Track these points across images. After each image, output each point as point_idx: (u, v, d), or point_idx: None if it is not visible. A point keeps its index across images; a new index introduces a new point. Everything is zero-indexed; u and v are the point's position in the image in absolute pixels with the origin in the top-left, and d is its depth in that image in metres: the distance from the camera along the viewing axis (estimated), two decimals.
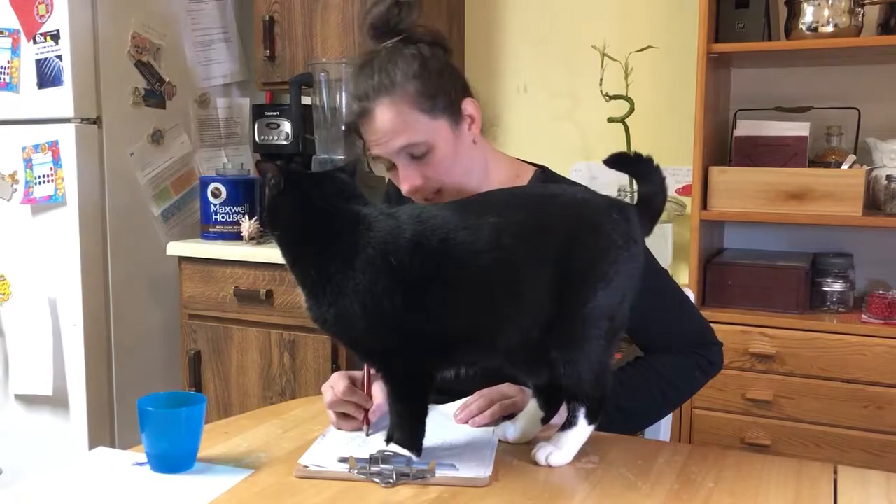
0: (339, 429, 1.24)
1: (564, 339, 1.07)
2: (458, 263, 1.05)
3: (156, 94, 2.67)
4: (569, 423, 1.10)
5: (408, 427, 1.10)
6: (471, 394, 1.28)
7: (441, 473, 1.05)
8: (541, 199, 1.13)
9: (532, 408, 1.18)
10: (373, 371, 1.24)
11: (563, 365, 1.07)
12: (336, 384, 1.25)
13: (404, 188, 1.30)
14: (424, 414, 1.11)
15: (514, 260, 1.05)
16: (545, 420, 1.18)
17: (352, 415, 1.24)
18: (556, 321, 1.06)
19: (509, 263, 1.05)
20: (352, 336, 1.10)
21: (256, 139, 2.67)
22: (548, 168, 1.44)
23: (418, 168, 1.28)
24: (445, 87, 1.29)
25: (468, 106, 1.32)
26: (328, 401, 1.25)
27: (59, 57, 2.42)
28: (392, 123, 1.26)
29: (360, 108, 1.28)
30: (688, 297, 1.42)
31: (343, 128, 1.36)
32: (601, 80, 2.42)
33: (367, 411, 1.24)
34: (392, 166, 1.32)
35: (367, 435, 1.22)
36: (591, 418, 1.09)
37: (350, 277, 1.04)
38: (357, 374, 1.29)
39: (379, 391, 1.26)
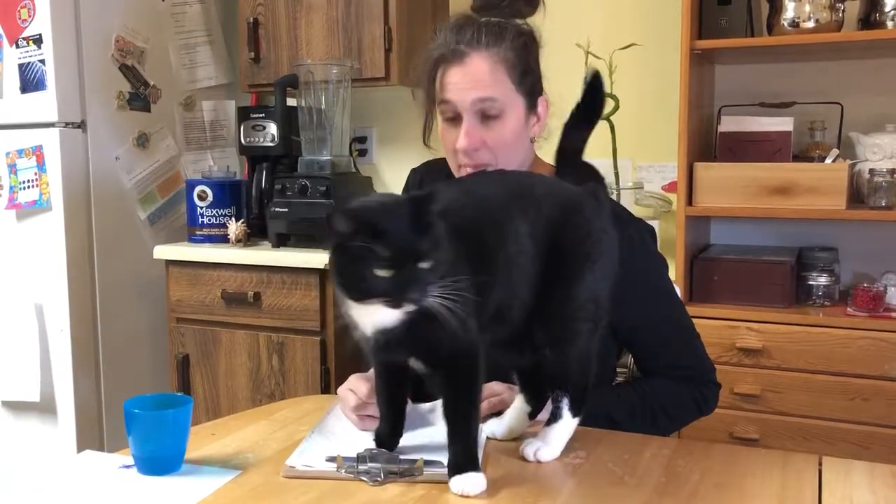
0: (364, 430, 1.20)
1: (552, 321, 1.07)
2: (474, 235, 1.01)
3: (140, 97, 2.66)
4: (554, 417, 1.10)
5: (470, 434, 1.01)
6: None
7: (429, 471, 1.05)
8: (522, 182, 1.14)
9: (519, 404, 1.18)
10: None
11: (549, 348, 1.07)
12: (357, 388, 1.24)
13: (462, 143, 1.31)
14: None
15: (504, 233, 1.04)
16: (532, 415, 1.18)
17: (376, 416, 1.18)
18: (543, 302, 1.06)
19: (501, 237, 1.04)
20: (442, 337, 0.96)
21: (242, 141, 2.66)
22: None
23: (483, 130, 1.32)
24: (535, 74, 1.37)
25: (541, 103, 1.39)
26: (353, 405, 1.23)
27: (42, 61, 2.41)
28: (483, 73, 1.30)
29: (455, 49, 1.31)
30: (699, 334, 1.42)
31: (425, 67, 1.37)
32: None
33: None
34: (453, 118, 1.33)
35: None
36: (575, 410, 1.10)
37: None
38: (373, 375, 1.25)
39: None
